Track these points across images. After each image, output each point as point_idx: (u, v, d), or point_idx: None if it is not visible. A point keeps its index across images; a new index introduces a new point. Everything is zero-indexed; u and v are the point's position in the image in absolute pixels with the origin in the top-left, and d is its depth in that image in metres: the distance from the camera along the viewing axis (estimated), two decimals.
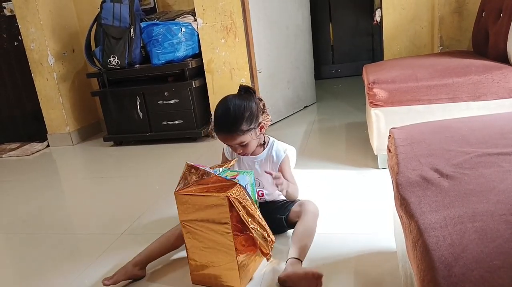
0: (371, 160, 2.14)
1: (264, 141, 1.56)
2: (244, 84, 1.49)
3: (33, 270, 1.58)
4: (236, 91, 1.48)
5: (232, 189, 1.21)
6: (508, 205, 0.69)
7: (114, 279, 1.34)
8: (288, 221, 1.51)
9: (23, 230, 1.96)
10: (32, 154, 3.37)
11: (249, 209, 1.23)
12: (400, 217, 0.86)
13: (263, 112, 1.46)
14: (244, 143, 1.42)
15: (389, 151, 1.14)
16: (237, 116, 1.37)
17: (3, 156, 3.40)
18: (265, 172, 1.43)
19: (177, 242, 1.44)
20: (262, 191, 1.56)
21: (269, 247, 1.29)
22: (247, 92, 1.45)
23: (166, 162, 2.71)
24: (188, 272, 1.35)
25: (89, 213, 1.99)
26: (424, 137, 1.09)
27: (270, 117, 1.50)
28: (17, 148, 3.55)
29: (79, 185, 2.57)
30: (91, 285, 1.42)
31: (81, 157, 3.25)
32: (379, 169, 2.05)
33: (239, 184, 1.24)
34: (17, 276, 1.57)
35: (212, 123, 1.46)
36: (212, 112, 3.01)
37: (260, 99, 1.48)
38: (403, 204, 0.82)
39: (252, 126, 1.41)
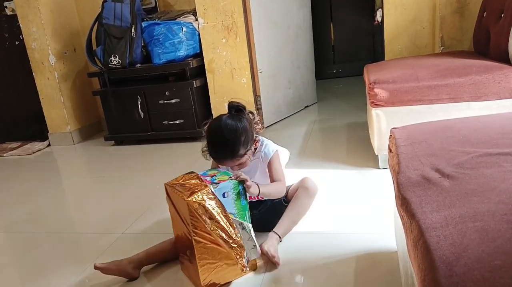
0: (372, 160, 2.14)
1: (256, 145, 1.55)
2: (233, 101, 1.45)
3: (34, 269, 1.58)
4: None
5: (197, 193, 1.21)
6: (509, 205, 0.69)
7: (105, 265, 1.37)
8: (288, 198, 1.56)
9: (24, 229, 1.97)
10: (33, 153, 3.38)
11: (212, 214, 1.21)
12: (401, 217, 0.86)
13: (254, 123, 1.46)
14: (240, 163, 1.44)
15: (390, 150, 1.14)
16: (234, 143, 1.37)
17: (4, 155, 3.40)
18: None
19: (175, 251, 1.44)
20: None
21: (238, 256, 1.24)
22: (238, 111, 1.43)
23: (167, 162, 2.71)
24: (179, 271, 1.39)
25: (90, 212, 1.99)
26: (425, 137, 1.09)
27: (260, 125, 1.51)
28: (18, 147, 3.55)
29: (79, 184, 2.57)
30: (92, 285, 1.42)
31: (82, 156, 3.25)
32: (379, 168, 2.05)
33: (210, 188, 1.24)
34: (18, 275, 1.57)
35: (206, 146, 1.45)
36: (214, 112, 3.03)
37: (251, 113, 1.48)
38: (404, 204, 0.82)
39: (248, 147, 1.41)
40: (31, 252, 1.73)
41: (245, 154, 1.41)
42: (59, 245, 1.75)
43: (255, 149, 1.52)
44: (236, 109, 1.43)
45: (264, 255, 1.36)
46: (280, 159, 1.55)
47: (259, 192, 1.36)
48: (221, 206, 1.24)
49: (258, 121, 1.50)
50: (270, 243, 1.39)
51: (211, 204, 1.22)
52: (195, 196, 1.21)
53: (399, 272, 1.21)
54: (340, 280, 1.20)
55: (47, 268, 1.57)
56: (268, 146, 1.54)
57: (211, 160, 1.51)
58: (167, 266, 1.46)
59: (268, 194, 1.45)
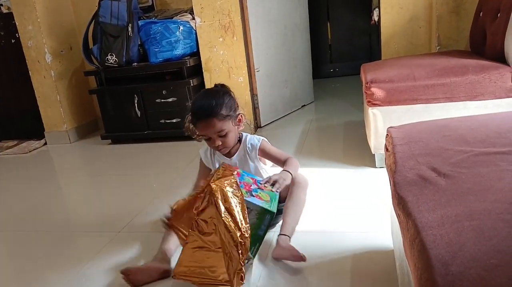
0: (368, 159, 2.15)
1: (239, 139, 1.57)
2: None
3: (31, 268, 1.58)
4: (236, 86, 1.50)
5: (224, 179, 1.21)
6: (505, 204, 0.70)
7: (133, 270, 1.31)
8: (281, 196, 1.53)
9: (20, 228, 1.96)
10: (29, 151, 3.36)
11: (230, 206, 1.19)
12: (398, 216, 0.86)
13: (238, 107, 1.49)
14: (224, 132, 1.42)
15: (387, 149, 1.14)
16: (216, 100, 1.40)
17: (0, 153, 3.39)
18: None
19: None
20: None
21: (235, 272, 1.17)
22: (223, 86, 1.50)
23: (164, 160, 2.71)
24: None
25: (87, 211, 1.99)
26: (421, 137, 1.09)
27: (245, 118, 1.53)
28: (14, 145, 3.53)
29: (76, 183, 2.56)
30: (89, 283, 1.42)
31: (79, 155, 3.24)
32: (376, 167, 2.05)
33: (235, 176, 1.24)
34: (15, 274, 1.57)
35: (190, 117, 1.46)
36: None
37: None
38: (401, 203, 0.82)
39: (231, 113, 1.42)
40: (27, 251, 1.72)
41: (227, 117, 1.41)
42: (56, 244, 1.75)
43: (239, 139, 1.54)
44: (221, 85, 1.51)
45: (283, 258, 1.33)
46: (270, 144, 1.57)
47: (292, 175, 1.43)
48: (242, 201, 1.23)
49: (242, 112, 1.52)
50: (284, 245, 1.33)
51: (230, 191, 1.21)
52: (218, 182, 1.21)
53: (395, 271, 1.21)
54: (337, 278, 1.20)
55: (43, 267, 1.57)
56: (253, 137, 1.56)
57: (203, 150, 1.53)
58: None
59: (294, 173, 1.48)
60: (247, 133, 1.59)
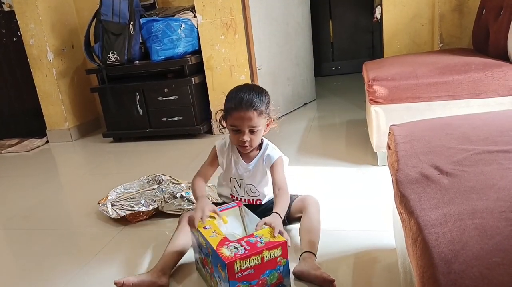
0: (370, 157, 2.14)
1: (260, 144, 1.51)
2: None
3: (32, 266, 1.58)
4: (238, 84, 1.48)
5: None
6: (508, 202, 0.69)
7: (124, 279, 1.25)
8: (289, 217, 1.51)
9: (23, 226, 1.96)
10: (31, 149, 3.37)
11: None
12: (400, 214, 0.86)
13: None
14: (256, 129, 1.38)
15: (389, 148, 1.14)
16: (259, 94, 1.39)
17: (2, 151, 3.40)
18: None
19: (186, 246, 1.41)
20: (259, 199, 1.52)
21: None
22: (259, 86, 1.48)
23: (165, 159, 2.71)
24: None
25: (88, 209, 1.99)
26: (424, 135, 1.09)
27: (275, 124, 1.51)
28: (16, 143, 3.54)
29: (78, 181, 2.57)
30: (91, 281, 1.42)
31: (80, 153, 3.25)
32: (378, 166, 2.05)
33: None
34: (17, 272, 1.57)
35: (224, 108, 1.42)
36: (213, 109, 3.03)
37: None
38: (403, 201, 0.82)
39: (267, 111, 1.41)
40: (29, 249, 1.72)
41: (264, 113, 1.38)
42: (58, 242, 1.75)
43: (260, 145, 1.49)
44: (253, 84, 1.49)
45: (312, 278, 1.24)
46: (283, 165, 1.50)
47: (282, 217, 1.31)
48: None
49: (274, 119, 1.49)
50: (310, 265, 1.26)
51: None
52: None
53: (397, 269, 1.21)
54: (339, 277, 1.20)
55: (45, 265, 1.57)
56: (274, 149, 1.50)
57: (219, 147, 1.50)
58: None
59: (285, 210, 1.38)
60: (268, 141, 1.53)
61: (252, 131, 1.39)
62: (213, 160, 1.53)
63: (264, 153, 1.48)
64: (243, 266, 1.08)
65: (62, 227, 1.90)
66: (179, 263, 1.40)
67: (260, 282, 1.12)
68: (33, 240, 1.81)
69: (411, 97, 1.89)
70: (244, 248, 1.10)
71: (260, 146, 1.51)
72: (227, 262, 1.06)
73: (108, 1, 2.95)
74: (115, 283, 1.25)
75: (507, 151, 0.89)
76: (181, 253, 1.40)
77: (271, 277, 1.13)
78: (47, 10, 3.26)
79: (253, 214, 1.36)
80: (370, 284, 1.23)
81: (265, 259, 1.10)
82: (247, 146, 1.42)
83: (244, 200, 1.53)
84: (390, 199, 1.08)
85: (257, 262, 1.09)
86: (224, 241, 1.14)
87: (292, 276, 1.27)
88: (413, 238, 0.71)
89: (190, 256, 1.44)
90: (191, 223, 1.26)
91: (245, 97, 1.36)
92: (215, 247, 1.11)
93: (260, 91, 1.41)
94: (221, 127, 1.49)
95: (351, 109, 3.24)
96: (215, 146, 1.54)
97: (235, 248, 1.10)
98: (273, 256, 1.11)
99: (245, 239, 1.14)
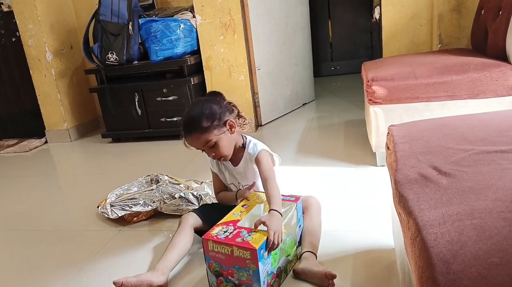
0: (369, 157, 2.15)
1: (243, 144, 1.49)
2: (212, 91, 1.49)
3: (31, 267, 1.58)
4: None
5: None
6: (506, 203, 0.70)
7: (123, 279, 1.25)
8: None
9: (21, 227, 1.96)
10: (30, 150, 3.37)
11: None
12: (399, 214, 0.86)
13: (232, 112, 1.42)
14: (211, 143, 1.36)
15: (388, 148, 1.14)
16: (196, 114, 1.36)
17: (1, 152, 3.39)
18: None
19: (186, 247, 1.41)
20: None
21: None
22: (212, 95, 1.44)
23: (164, 159, 2.71)
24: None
25: (87, 210, 1.99)
26: (422, 135, 1.09)
27: (247, 120, 1.48)
28: (15, 144, 3.54)
29: (77, 181, 2.56)
30: (90, 281, 1.42)
31: (79, 153, 3.24)
32: (377, 166, 2.05)
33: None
34: (16, 273, 1.57)
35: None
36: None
37: (230, 102, 1.45)
38: (402, 201, 0.82)
39: (215, 123, 1.36)
40: (28, 250, 1.72)
41: (209, 127, 1.34)
42: (56, 242, 1.75)
43: (243, 145, 1.48)
44: (210, 94, 1.46)
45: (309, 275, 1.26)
46: (268, 157, 1.47)
47: (282, 213, 1.30)
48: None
49: (242, 115, 1.46)
50: (311, 263, 1.27)
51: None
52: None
53: (396, 269, 1.21)
54: (338, 277, 1.20)
55: (44, 266, 1.57)
56: (255, 145, 1.48)
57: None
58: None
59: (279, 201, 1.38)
60: (251, 138, 1.51)
61: (210, 147, 1.38)
62: (216, 179, 1.59)
63: (247, 151, 1.48)
64: (215, 248, 1.18)
65: (61, 227, 1.89)
66: (179, 263, 1.40)
67: (229, 271, 1.19)
68: (31, 240, 1.81)
69: (410, 98, 1.89)
70: (226, 236, 1.18)
71: (244, 145, 1.49)
72: (203, 237, 1.19)
73: (107, 2, 2.95)
74: (114, 283, 1.25)
75: (505, 151, 0.89)
76: (181, 254, 1.40)
77: (240, 273, 1.18)
78: (46, 11, 3.26)
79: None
80: (368, 284, 1.23)
81: (235, 254, 1.16)
82: (220, 158, 1.43)
83: None
84: (388, 199, 1.08)
85: (227, 252, 1.17)
86: (230, 222, 1.24)
87: (292, 275, 1.28)
88: (412, 238, 0.71)
89: (190, 256, 1.44)
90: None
91: (184, 122, 1.38)
92: (218, 223, 1.23)
93: (195, 108, 1.38)
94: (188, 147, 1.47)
95: (350, 110, 3.24)
96: (210, 165, 1.58)
97: (225, 231, 1.20)
98: (242, 256, 1.15)
99: (241, 229, 1.21)
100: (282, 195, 1.36)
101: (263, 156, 1.44)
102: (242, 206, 1.35)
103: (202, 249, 1.29)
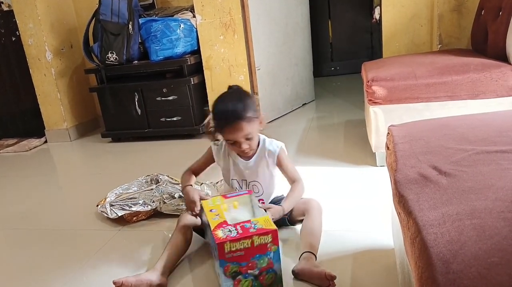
0: (369, 157, 2.14)
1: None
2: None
3: (31, 266, 1.58)
4: (237, 84, 1.49)
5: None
6: (506, 203, 0.69)
7: (123, 279, 1.24)
8: (291, 219, 1.52)
9: (20, 226, 1.96)
10: (30, 149, 3.36)
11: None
12: (398, 214, 0.86)
13: (258, 106, 1.45)
14: (251, 135, 1.39)
15: (388, 148, 1.14)
16: (242, 102, 1.36)
17: (1, 151, 3.39)
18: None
19: (185, 246, 1.42)
20: (261, 199, 1.52)
21: None
22: (238, 88, 1.46)
23: (164, 159, 2.71)
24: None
25: (87, 209, 1.98)
26: (422, 135, 1.09)
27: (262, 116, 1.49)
28: (15, 143, 3.53)
29: (76, 181, 2.56)
30: (89, 281, 1.42)
31: (79, 153, 3.24)
32: (377, 166, 2.05)
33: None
34: (15, 272, 1.57)
35: (212, 122, 1.42)
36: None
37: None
38: (402, 201, 0.82)
39: (256, 115, 1.39)
40: (28, 249, 1.72)
41: (253, 118, 1.37)
42: (56, 242, 1.75)
43: (260, 127, 1.48)
44: (236, 86, 1.47)
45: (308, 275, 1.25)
46: (286, 155, 1.52)
47: (285, 211, 1.37)
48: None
49: (260, 111, 1.48)
50: (311, 263, 1.27)
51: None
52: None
53: (396, 269, 1.21)
54: (337, 277, 1.20)
55: (43, 265, 1.57)
56: (272, 142, 1.51)
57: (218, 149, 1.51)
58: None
59: (295, 202, 1.44)
60: (264, 136, 1.53)
61: (248, 139, 1.40)
62: (207, 159, 1.55)
63: (263, 148, 1.49)
64: (233, 248, 1.15)
65: (60, 227, 1.89)
66: (178, 262, 1.40)
67: (250, 264, 1.18)
68: (31, 240, 1.81)
69: (410, 98, 1.89)
70: (237, 232, 1.17)
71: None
72: (217, 242, 1.14)
73: (107, 1, 2.95)
74: (114, 283, 1.24)
75: (505, 151, 0.89)
76: (180, 253, 1.40)
77: (261, 261, 1.19)
78: (46, 10, 3.26)
79: (256, 200, 1.40)
80: (368, 284, 1.23)
81: (255, 243, 1.16)
82: (248, 152, 1.44)
83: None
84: (388, 199, 1.08)
85: (247, 246, 1.16)
86: (223, 224, 1.22)
87: (291, 275, 1.28)
88: (412, 238, 0.71)
89: (189, 256, 1.44)
90: (194, 210, 1.34)
91: (230, 110, 1.36)
92: (212, 229, 1.20)
93: (243, 97, 1.39)
94: (215, 140, 1.48)
95: (350, 110, 3.24)
96: (210, 147, 1.55)
97: (229, 231, 1.19)
98: (263, 242, 1.17)
99: (241, 224, 1.21)
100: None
101: (284, 156, 1.50)
102: (210, 211, 1.32)
103: (200, 248, 1.29)
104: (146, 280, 1.27)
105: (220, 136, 1.46)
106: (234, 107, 1.36)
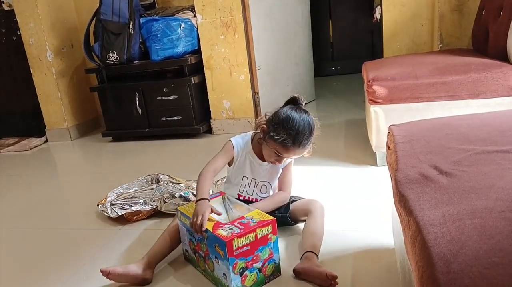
0: (370, 157, 2.14)
1: None
2: (296, 96, 1.50)
3: (31, 265, 1.58)
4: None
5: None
6: (507, 202, 0.69)
7: (111, 268, 1.30)
8: (292, 218, 1.53)
9: (21, 225, 1.96)
10: (31, 149, 3.37)
11: None
12: (399, 214, 0.86)
13: None
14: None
15: (388, 148, 1.14)
16: (311, 136, 1.42)
17: (1, 150, 3.39)
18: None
19: (174, 243, 1.43)
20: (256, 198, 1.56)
21: None
22: (310, 116, 1.47)
23: (165, 158, 2.71)
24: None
25: (87, 209, 1.99)
26: (423, 135, 1.09)
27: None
28: (16, 143, 3.54)
29: (77, 181, 2.56)
30: (89, 280, 1.42)
31: (80, 152, 3.24)
32: (377, 166, 2.05)
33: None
34: (16, 270, 1.57)
35: (266, 118, 1.45)
36: (212, 109, 3.02)
37: None
38: (402, 201, 0.82)
39: (310, 147, 1.46)
40: (28, 248, 1.72)
41: (307, 149, 1.45)
42: (57, 240, 1.75)
43: None
44: (294, 101, 1.50)
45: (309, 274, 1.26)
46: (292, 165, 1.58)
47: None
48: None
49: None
50: (313, 263, 1.27)
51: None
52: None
53: (396, 269, 1.21)
54: (338, 276, 1.20)
55: (43, 264, 1.57)
56: None
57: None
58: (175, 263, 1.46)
59: (267, 210, 1.45)
60: None
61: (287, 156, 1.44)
62: (227, 153, 1.51)
63: None
64: (240, 243, 1.19)
65: (61, 226, 1.89)
66: (167, 258, 1.42)
67: (254, 257, 1.23)
68: (31, 239, 1.81)
69: (410, 98, 1.89)
70: (239, 228, 1.21)
71: None
72: (226, 241, 1.16)
73: (108, 1, 2.95)
74: (102, 271, 1.28)
75: (506, 151, 0.89)
76: (170, 248, 1.42)
77: (264, 253, 1.24)
78: (47, 9, 3.26)
79: (234, 199, 1.45)
80: (369, 283, 1.23)
81: (259, 236, 1.22)
82: (276, 163, 1.48)
83: (248, 198, 1.54)
84: (389, 199, 1.08)
85: (252, 239, 1.21)
86: (218, 224, 1.26)
87: (292, 275, 1.28)
88: (412, 237, 0.71)
89: (178, 251, 1.45)
90: (198, 230, 1.25)
91: (302, 138, 1.38)
92: (211, 230, 1.22)
93: (313, 130, 1.43)
94: (262, 140, 1.45)
95: (351, 110, 3.24)
96: (230, 141, 1.52)
97: (231, 229, 1.22)
98: (265, 233, 1.23)
99: (237, 221, 1.25)
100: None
101: (291, 167, 1.57)
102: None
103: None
104: (133, 272, 1.30)
105: (267, 139, 1.43)
106: (303, 135, 1.39)
